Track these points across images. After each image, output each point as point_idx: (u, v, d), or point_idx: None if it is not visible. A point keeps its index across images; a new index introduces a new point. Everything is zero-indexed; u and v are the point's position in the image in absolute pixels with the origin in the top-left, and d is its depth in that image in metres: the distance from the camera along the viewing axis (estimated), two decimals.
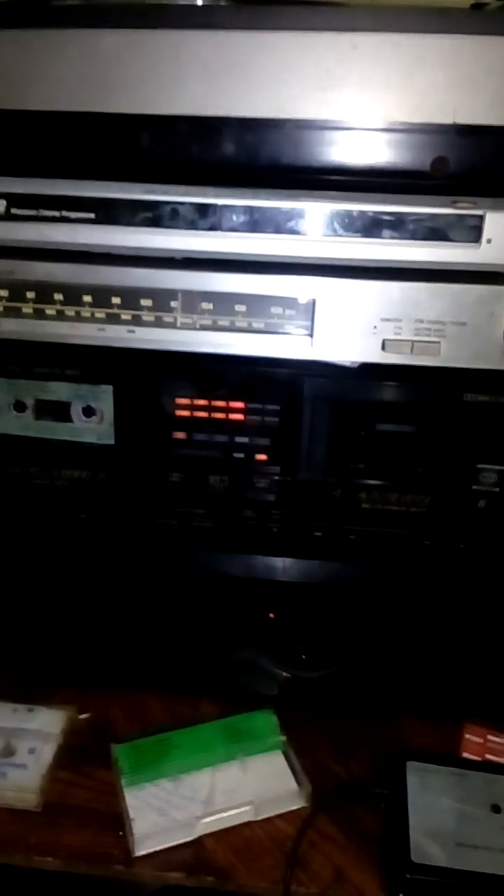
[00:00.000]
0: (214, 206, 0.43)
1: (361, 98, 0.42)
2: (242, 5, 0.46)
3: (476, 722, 0.58)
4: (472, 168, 0.43)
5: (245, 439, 0.52)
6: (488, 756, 0.56)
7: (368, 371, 0.48)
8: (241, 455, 0.53)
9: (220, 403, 0.52)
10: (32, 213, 0.44)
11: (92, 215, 0.44)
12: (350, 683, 0.61)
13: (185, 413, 0.52)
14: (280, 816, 0.52)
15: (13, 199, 0.45)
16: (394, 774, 0.52)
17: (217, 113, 0.43)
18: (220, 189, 0.43)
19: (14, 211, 0.45)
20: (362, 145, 0.44)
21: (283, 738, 0.56)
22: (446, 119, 0.42)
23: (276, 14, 0.42)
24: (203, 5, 0.45)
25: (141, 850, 0.49)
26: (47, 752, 0.55)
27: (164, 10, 0.43)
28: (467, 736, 0.57)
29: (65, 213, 0.44)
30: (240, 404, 0.52)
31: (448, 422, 0.51)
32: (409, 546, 0.55)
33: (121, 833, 0.50)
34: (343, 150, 0.44)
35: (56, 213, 0.44)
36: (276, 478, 0.53)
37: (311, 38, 0.41)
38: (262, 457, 0.53)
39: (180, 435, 0.53)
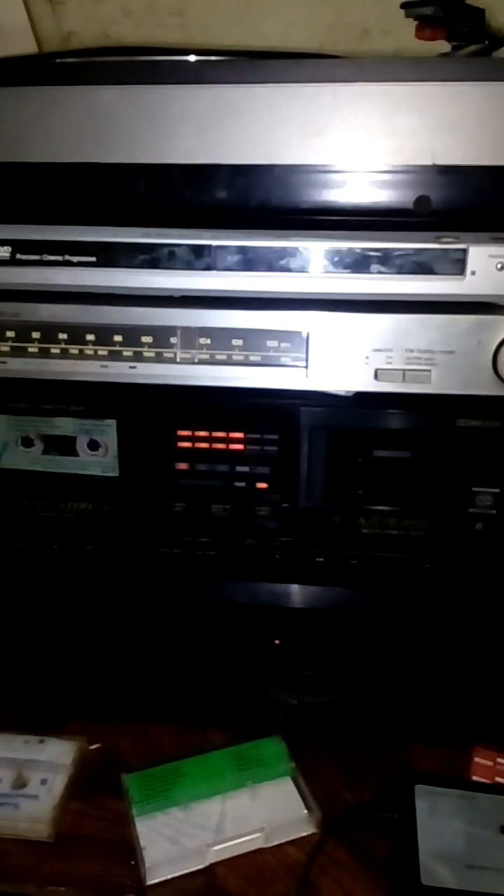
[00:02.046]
0: (209, 247, 0.45)
1: (345, 143, 0.44)
2: (231, 60, 0.49)
3: (485, 745, 0.58)
4: (454, 205, 0.45)
5: (245, 468, 0.54)
6: (498, 779, 0.56)
7: (363, 400, 0.50)
8: (242, 484, 0.54)
9: (220, 434, 0.53)
10: (37, 258, 0.46)
11: (93, 259, 0.46)
12: (358, 709, 0.61)
13: (187, 444, 0.53)
14: (290, 843, 0.52)
15: (18, 245, 0.46)
16: (402, 798, 0.52)
17: (210, 161, 0.45)
18: (215, 231, 0.45)
19: (19, 256, 0.47)
20: (348, 187, 0.46)
21: (292, 764, 0.56)
22: (425, 160, 0.44)
23: (262, 68, 0.44)
24: (195, 61, 0.48)
25: (153, 879, 0.49)
26: (59, 783, 0.55)
27: (158, 67, 0.46)
28: (477, 759, 0.57)
29: (67, 257, 0.46)
30: (239, 435, 0.53)
31: (442, 447, 0.52)
32: (409, 570, 0.55)
33: (132, 862, 0.50)
34: (330, 192, 0.46)
35: (59, 258, 0.46)
36: (277, 505, 0.55)
37: (296, 90, 0.43)
38: (262, 485, 0.54)
39: (182, 466, 0.54)
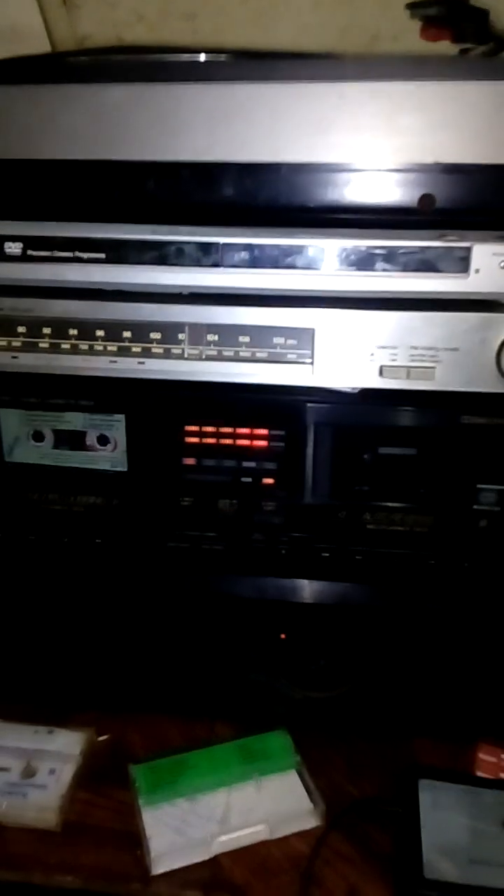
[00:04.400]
0: (217, 244, 0.45)
1: (350, 142, 0.45)
2: (239, 60, 0.49)
3: (489, 741, 0.58)
4: (458, 203, 0.45)
5: (252, 464, 0.54)
6: (502, 775, 0.56)
7: (368, 396, 0.50)
8: (249, 479, 0.54)
9: (227, 430, 0.54)
10: (47, 254, 0.47)
11: (103, 255, 0.47)
12: (362, 704, 0.62)
13: (194, 440, 0.54)
14: (295, 835, 0.53)
15: (29, 242, 0.47)
16: (406, 792, 0.53)
17: (218, 159, 0.46)
18: (222, 228, 0.46)
19: (30, 252, 0.47)
20: (353, 185, 0.46)
21: (298, 758, 0.57)
22: (429, 159, 0.44)
23: (270, 67, 0.45)
24: (204, 60, 0.48)
25: (158, 869, 0.50)
26: (67, 773, 0.56)
27: (167, 65, 0.46)
28: (481, 755, 0.57)
29: (78, 254, 0.47)
30: (246, 431, 0.53)
31: (447, 444, 0.52)
32: (414, 566, 0.56)
33: (138, 852, 0.51)
34: (335, 190, 0.46)
35: (70, 254, 0.47)
36: (283, 501, 0.55)
37: (302, 89, 0.44)
38: (269, 481, 0.55)
39: (190, 461, 0.55)
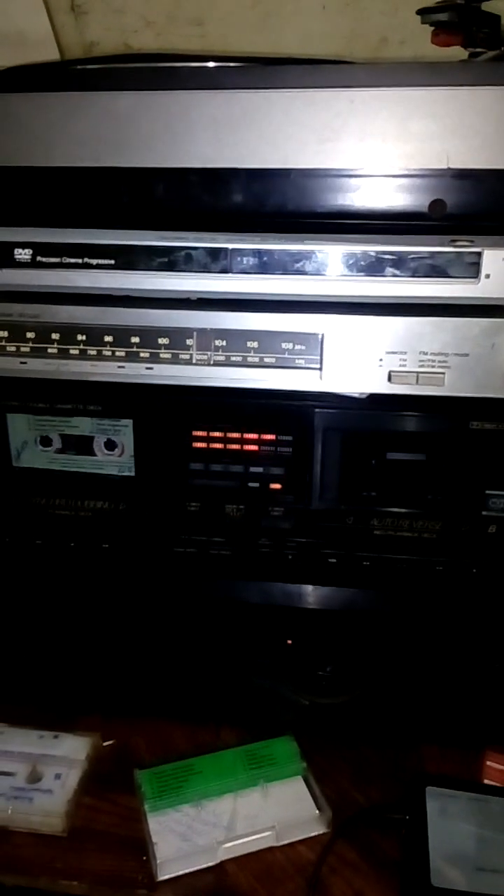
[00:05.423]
0: (225, 250, 0.45)
1: (360, 148, 0.45)
2: (248, 66, 0.49)
3: (497, 749, 0.58)
4: (469, 208, 0.45)
5: (259, 469, 0.54)
6: None
7: (377, 402, 0.50)
8: (256, 485, 0.55)
9: (235, 435, 0.54)
10: (56, 260, 0.47)
11: (112, 261, 0.47)
12: (369, 710, 0.62)
13: (202, 445, 0.54)
14: (301, 842, 0.52)
15: (39, 248, 0.47)
16: (413, 800, 0.52)
17: (226, 165, 0.46)
18: (231, 234, 0.46)
19: (40, 259, 0.48)
20: (363, 191, 0.46)
21: (304, 764, 0.57)
22: (441, 164, 0.44)
23: (279, 74, 0.45)
24: (212, 67, 0.48)
25: (164, 875, 0.50)
26: (73, 778, 0.56)
27: (176, 73, 0.46)
28: (488, 763, 0.57)
29: (86, 260, 0.47)
30: (253, 436, 0.53)
31: (455, 449, 0.52)
32: (422, 572, 0.55)
33: (144, 858, 0.51)
34: (345, 196, 0.46)
35: (78, 260, 0.47)
36: (291, 506, 0.55)
37: (312, 95, 0.44)
38: (276, 486, 0.55)
39: (197, 466, 0.55)
